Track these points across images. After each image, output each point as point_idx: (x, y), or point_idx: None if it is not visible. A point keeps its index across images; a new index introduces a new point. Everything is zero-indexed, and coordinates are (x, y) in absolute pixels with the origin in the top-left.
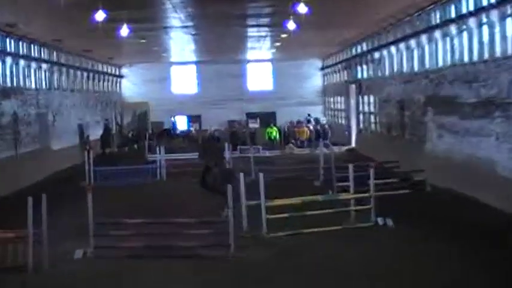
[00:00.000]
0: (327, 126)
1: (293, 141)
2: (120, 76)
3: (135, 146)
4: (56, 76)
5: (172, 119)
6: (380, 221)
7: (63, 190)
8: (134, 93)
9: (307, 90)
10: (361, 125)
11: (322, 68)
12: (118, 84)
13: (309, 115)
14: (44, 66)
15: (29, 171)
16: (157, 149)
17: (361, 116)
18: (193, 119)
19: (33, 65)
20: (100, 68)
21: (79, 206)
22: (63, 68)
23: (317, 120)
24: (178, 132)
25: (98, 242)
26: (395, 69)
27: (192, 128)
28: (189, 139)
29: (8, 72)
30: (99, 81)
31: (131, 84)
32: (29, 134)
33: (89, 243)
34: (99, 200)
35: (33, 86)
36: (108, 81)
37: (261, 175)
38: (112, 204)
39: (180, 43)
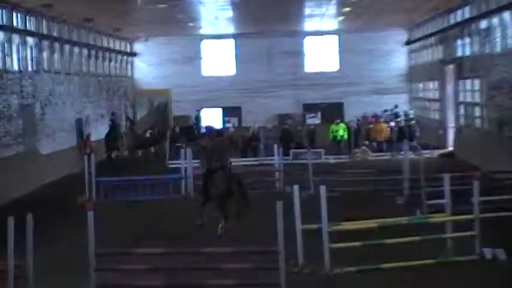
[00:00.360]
0: (413, 122)
1: (367, 142)
2: (132, 54)
3: (152, 149)
4: (45, 54)
5: (197, 112)
6: (487, 253)
7: (55, 208)
8: (151, 77)
9: (385, 73)
10: (462, 121)
11: (408, 43)
12: (129, 66)
13: (395, 106)
14: (30, 40)
15: (10, 182)
16: (182, 153)
17: (461, 109)
18: (230, 112)
19: (16, 38)
20: (105, 44)
21: (76, 229)
22: (55, 43)
23: (406, 115)
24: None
25: (101, 279)
26: (510, 43)
27: (229, 125)
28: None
29: None
30: (103, 61)
31: (147, 66)
32: (9, 133)
33: (89, 280)
34: (103, 221)
35: (15, 67)
36: (116, 61)
37: (322, 189)
38: (120, 227)
39: (214, 9)
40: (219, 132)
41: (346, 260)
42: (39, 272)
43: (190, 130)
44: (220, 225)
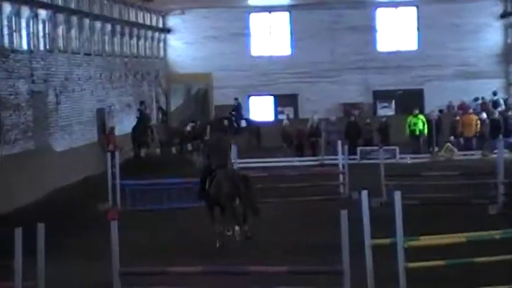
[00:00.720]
0: (510, 113)
1: (452, 138)
2: (166, 30)
3: (189, 145)
4: (61, 30)
5: (236, 101)
6: None
7: (71, 217)
8: (188, 58)
9: (475, 53)
10: None
11: (504, 16)
12: (162, 44)
13: (494, 94)
14: (43, 13)
15: (17, 186)
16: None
17: None
18: (284, 101)
19: (25, 11)
20: (132, 18)
21: (97, 243)
22: (72, 16)
23: (499, 104)
24: (244, 123)
25: None
26: None
27: (283, 117)
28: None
29: None
30: (130, 38)
31: (183, 44)
32: (16, 125)
33: None
34: (129, 233)
35: (23, 45)
36: (145, 38)
37: (397, 195)
38: (150, 240)
39: None
40: (255, 125)
41: (426, 282)
42: None
43: (227, 120)
44: (236, 232)
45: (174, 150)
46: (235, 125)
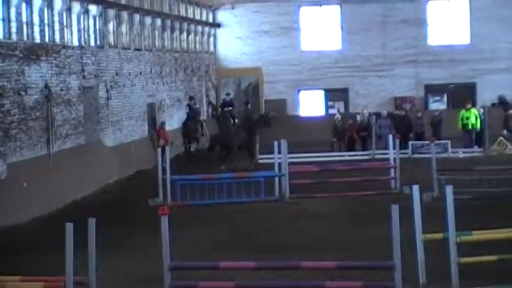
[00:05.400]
0: None
1: (506, 132)
2: (216, 25)
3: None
4: (112, 26)
5: (228, 96)
6: None
7: (121, 213)
8: (238, 53)
9: None
10: None
11: None
12: (212, 39)
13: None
14: (93, 9)
15: (68, 181)
16: (276, 145)
17: None
18: (335, 95)
19: (76, 7)
20: (183, 12)
21: (148, 238)
22: (123, 12)
23: None
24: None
25: None
26: None
27: (334, 110)
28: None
29: (35, 20)
30: (180, 33)
31: (234, 38)
32: (68, 121)
33: None
34: (180, 229)
35: (74, 41)
36: (195, 33)
37: (449, 190)
38: (201, 236)
39: None
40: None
41: (479, 278)
42: None
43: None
44: None
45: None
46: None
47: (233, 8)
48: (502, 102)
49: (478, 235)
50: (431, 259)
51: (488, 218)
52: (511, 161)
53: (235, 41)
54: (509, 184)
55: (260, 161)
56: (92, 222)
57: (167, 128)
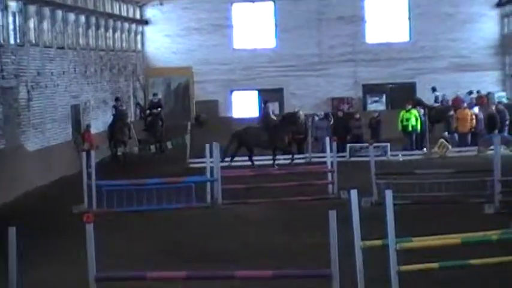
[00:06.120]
0: (501, 107)
1: (447, 134)
2: (144, 22)
3: (169, 143)
4: (33, 22)
5: (156, 97)
6: None
7: (44, 221)
8: (167, 51)
9: (470, 44)
10: None
11: (500, 4)
12: (140, 37)
13: (433, 89)
14: (13, 4)
15: None
16: (208, 149)
17: None
18: (269, 96)
19: None
20: (108, 9)
21: (72, 248)
22: (44, 8)
23: (498, 101)
24: None
25: None
26: None
27: (269, 111)
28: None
29: None
30: (106, 31)
31: (162, 36)
32: None
33: None
34: (106, 237)
35: None
36: (122, 31)
37: (388, 194)
38: (128, 244)
39: None
40: None
41: (419, 286)
42: None
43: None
44: None
45: (152, 148)
46: (160, 122)
47: (161, 4)
48: (419, 104)
49: (418, 242)
50: (370, 267)
51: (429, 223)
52: (453, 164)
53: (164, 39)
54: (451, 188)
55: (191, 166)
56: (12, 231)
57: (92, 130)
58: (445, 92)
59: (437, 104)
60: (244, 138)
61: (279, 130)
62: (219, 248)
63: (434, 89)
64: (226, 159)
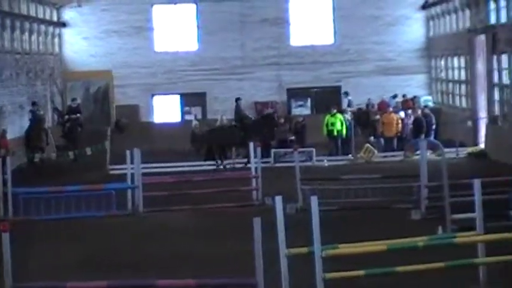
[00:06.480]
0: (427, 111)
1: (372, 139)
2: (61, 24)
3: (88, 150)
4: None
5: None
6: None
7: None
8: (86, 54)
9: (395, 47)
10: (496, 109)
11: (425, 7)
12: (57, 39)
13: (345, 94)
14: None
15: None
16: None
17: (495, 93)
18: (191, 100)
19: None
20: (25, 10)
21: None
22: None
23: (424, 105)
24: None
25: None
26: None
27: (190, 117)
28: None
29: None
30: (21, 33)
31: (81, 39)
32: None
33: None
34: (23, 246)
35: None
36: (38, 33)
37: (313, 201)
38: (46, 254)
39: None
40: None
41: None
42: None
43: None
44: None
45: (71, 155)
46: (78, 128)
47: (80, 6)
48: (340, 111)
49: (344, 248)
50: (296, 275)
51: (356, 230)
52: (379, 169)
53: (82, 42)
54: (377, 194)
55: (111, 172)
56: None
57: (8, 136)
58: (371, 96)
59: (350, 109)
60: (214, 138)
61: (254, 129)
62: (141, 257)
63: (346, 94)
64: (221, 165)
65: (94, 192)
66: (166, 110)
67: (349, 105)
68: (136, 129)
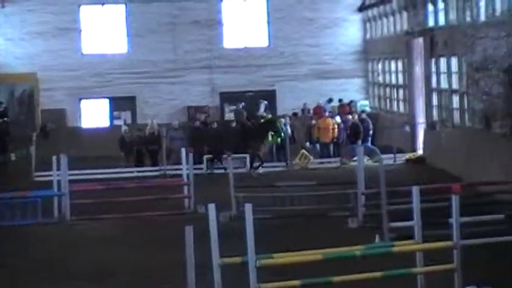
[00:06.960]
0: (364, 116)
1: (308, 144)
2: None
3: (12, 155)
4: None
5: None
6: None
7: None
8: (10, 56)
9: (331, 49)
10: (435, 114)
11: (361, 9)
12: None
13: (329, 101)
14: None
15: None
16: (55, 161)
17: (434, 97)
18: (120, 104)
19: None
20: None
21: None
22: None
23: (361, 110)
24: None
25: None
26: (499, 10)
27: (120, 122)
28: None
29: None
30: None
31: (4, 40)
32: None
33: None
34: None
35: None
36: None
37: (248, 208)
38: None
39: None
40: None
41: None
42: None
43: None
44: None
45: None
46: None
47: (3, 6)
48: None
49: (279, 258)
50: (230, 285)
51: (292, 238)
52: (315, 176)
53: (6, 44)
54: (314, 201)
55: (37, 179)
56: None
57: None
58: (306, 100)
59: (265, 114)
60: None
61: (255, 135)
62: (69, 267)
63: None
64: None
65: (19, 200)
66: (94, 114)
67: (265, 109)
68: (63, 134)
